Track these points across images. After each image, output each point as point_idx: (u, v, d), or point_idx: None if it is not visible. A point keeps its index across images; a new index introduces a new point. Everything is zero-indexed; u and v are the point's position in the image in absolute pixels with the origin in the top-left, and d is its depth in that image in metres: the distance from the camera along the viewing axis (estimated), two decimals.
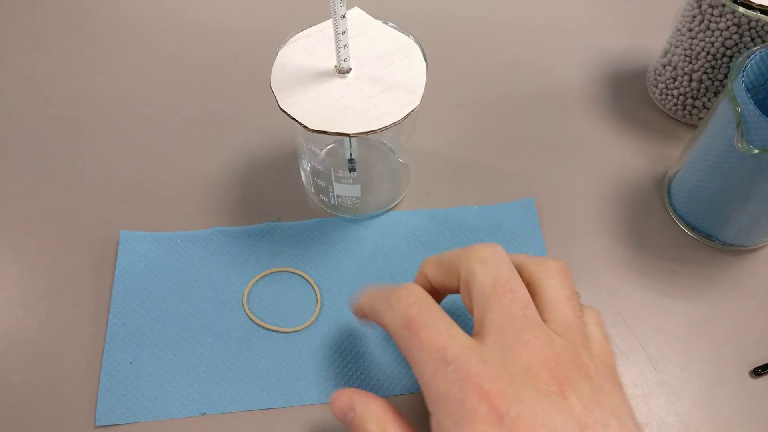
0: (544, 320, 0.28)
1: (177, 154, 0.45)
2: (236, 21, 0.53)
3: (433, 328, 0.27)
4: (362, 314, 0.31)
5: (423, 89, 0.33)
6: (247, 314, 0.37)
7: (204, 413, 0.34)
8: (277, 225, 0.41)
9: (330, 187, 0.39)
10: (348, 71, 0.34)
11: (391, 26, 0.36)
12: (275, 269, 0.39)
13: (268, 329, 0.37)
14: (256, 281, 0.38)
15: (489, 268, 0.28)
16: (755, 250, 0.40)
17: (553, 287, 0.29)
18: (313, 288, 0.38)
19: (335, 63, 0.34)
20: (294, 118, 0.32)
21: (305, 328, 0.37)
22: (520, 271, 0.30)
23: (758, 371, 0.35)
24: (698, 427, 0.34)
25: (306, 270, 0.39)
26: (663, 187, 0.42)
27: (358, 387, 0.35)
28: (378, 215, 0.41)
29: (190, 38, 0.52)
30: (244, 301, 0.38)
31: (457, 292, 0.30)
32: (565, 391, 0.25)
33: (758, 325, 0.37)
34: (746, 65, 0.34)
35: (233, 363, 0.36)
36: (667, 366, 0.36)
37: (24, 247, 0.40)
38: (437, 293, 0.31)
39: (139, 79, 0.49)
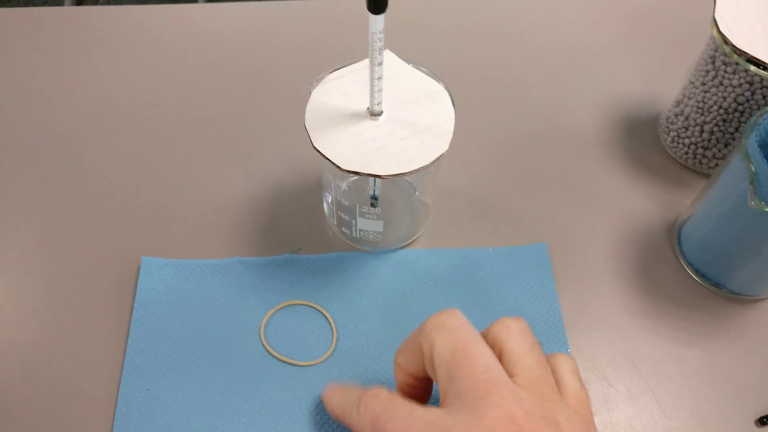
0: (511, 376, 0.28)
1: (202, 182, 0.46)
2: (267, 54, 0.54)
3: (396, 417, 0.28)
4: (335, 417, 0.33)
5: (451, 135, 0.35)
6: (263, 345, 0.38)
7: None
8: (296, 257, 0.41)
9: (353, 221, 0.40)
10: (380, 114, 0.35)
11: (422, 71, 0.37)
12: (292, 302, 0.40)
13: (284, 362, 0.38)
14: (273, 313, 0.39)
15: (446, 336, 0.29)
16: (763, 300, 0.41)
17: (515, 341, 0.29)
18: (330, 323, 0.39)
19: (368, 105, 0.35)
20: (328, 158, 0.33)
21: (321, 362, 0.38)
22: (484, 334, 0.30)
23: (763, 420, 0.36)
24: None
25: (323, 304, 0.40)
26: (673, 234, 0.44)
27: None
28: (396, 251, 0.42)
29: (223, 68, 0.53)
30: (261, 332, 0.38)
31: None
32: None
33: (764, 374, 0.38)
34: (760, 123, 0.36)
35: (249, 394, 0.36)
36: (676, 412, 0.37)
37: (45, 269, 0.41)
38: (420, 383, 0.32)
39: (169, 106, 0.50)
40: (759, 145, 0.35)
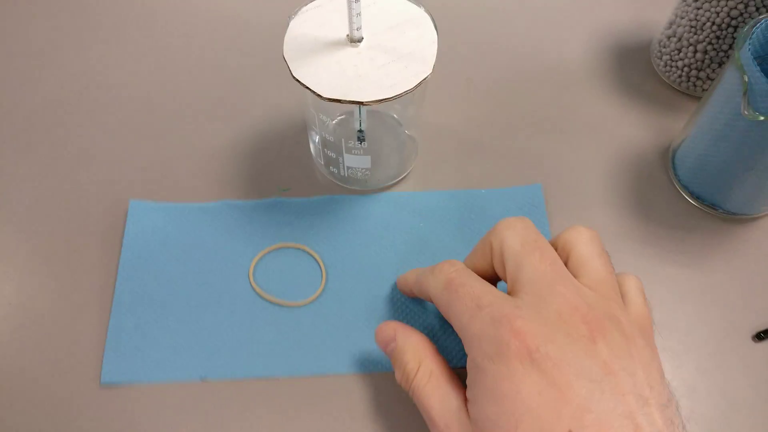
0: (577, 277, 0.29)
1: (186, 129, 0.45)
2: None
3: (470, 284, 0.29)
4: (408, 288, 0.34)
5: (434, 59, 0.33)
6: (252, 286, 0.38)
7: (204, 378, 0.35)
8: (285, 201, 0.41)
9: (340, 158, 0.39)
10: (360, 40, 0.34)
11: None
12: (282, 245, 0.39)
13: (273, 302, 0.37)
14: (263, 255, 0.39)
15: (516, 231, 0.30)
16: (758, 218, 0.41)
17: (584, 244, 0.30)
18: (319, 265, 0.39)
19: (347, 32, 0.34)
20: (308, 87, 0.32)
21: (309, 303, 0.37)
22: (554, 240, 0.31)
23: (761, 336, 0.36)
24: (702, 391, 0.35)
25: (313, 246, 0.39)
26: (667, 159, 0.43)
27: (356, 361, 0.35)
28: (386, 192, 0.41)
29: (198, 14, 0.51)
30: (250, 273, 0.38)
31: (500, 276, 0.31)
32: (595, 337, 0.26)
33: (760, 291, 0.38)
34: (753, 33, 0.35)
35: (235, 332, 0.36)
36: (672, 332, 0.37)
37: (34, 214, 0.41)
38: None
39: (150, 57, 0.49)
40: (753, 57, 0.34)
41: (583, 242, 0.30)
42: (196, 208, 0.40)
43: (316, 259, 0.39)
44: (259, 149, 0.44)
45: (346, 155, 0.38)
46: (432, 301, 0.31)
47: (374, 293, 0.38)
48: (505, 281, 0.30)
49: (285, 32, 0.35)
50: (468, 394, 0.28)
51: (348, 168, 0.40)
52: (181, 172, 0.43)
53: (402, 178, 0.42)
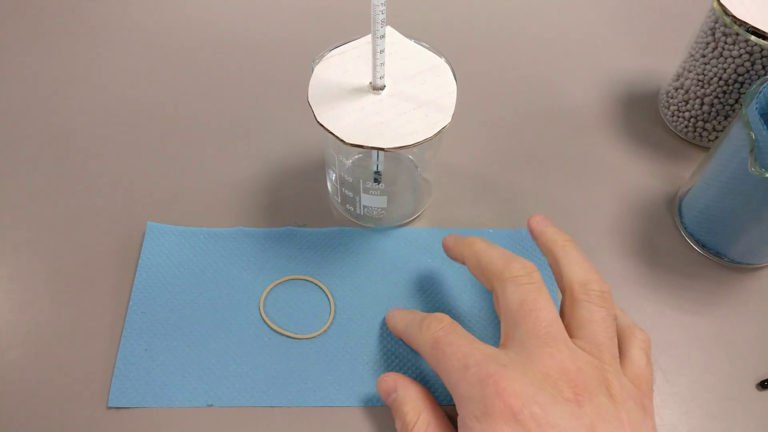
0: (574, 338, 0.29)
1: (207, 160, 0.46)
2: (269, 34, 0.54)
3: (457, 344, 0.29)
4: (396, 333, 0.35)
5: (454, 107, 0.35)
6: (261, 316, 0.38)
7: (211, 405, 0.35)
8: (298, 230, 0.42)
9: (357, 198, 0.40)
10: (382, 88, 0.35)
11: (423, 46, 0.38)
12: (292, 276, 0.40)
13: (281, 334, 0.38)
14: (274, 286, 0.40)
15: (519, 287, 0.30)
16: (763, 268, 0.42)
17: (588, 309, 0.30)
18: (328, 298, 0.39)
19: (370, 80, 0.35)
20: (331, 132, 0.34)
21: (316, 336, 0.38)
22: (564, 290, 0.31)
23: (764, 384, 0.37)
24: None
25: (323, 278, 0.40)
26: (674, 206, 0.44)
27: (361, 395, 0.36)
28: (398, 228, 0.42)
29: (226, 50, 0.53)
30: (261, 304, 0.39)
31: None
32: (582, 400, 0.26)
33: (764, 340, 0.39)
34: (760, 92, 0.36)
35: (242, 360, 0.37)
36: (678, 378, 0.37)
37: (52, 234, 0.42)
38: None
39: (177, 86, 0.50)
40: (759, 114, 0.35)
41: (587, 307, 0.30)
42: (212, 234, 0.42)
43: (325, 292, 0.40)
44: (276, 184, 0.45)
45: (363, 195, 0.40)
46: (421, 355, 0.32)
47: (381, 328, 0.38)
48: (497, 312, 0.31)
49: (308, 74, 0.36)
50: None
51: (364, 207, 0.41)
52: (201, 199, 0.44)
53: (415, 218, 0.43)
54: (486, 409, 0.26)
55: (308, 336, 0.38)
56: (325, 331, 0.38)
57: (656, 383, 0.37)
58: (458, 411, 0.28)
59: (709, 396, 0.37)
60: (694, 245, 0.42)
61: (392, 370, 0.37)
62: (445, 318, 0.31)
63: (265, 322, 0.38)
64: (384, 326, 0.38)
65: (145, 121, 0.48)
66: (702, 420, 0.36)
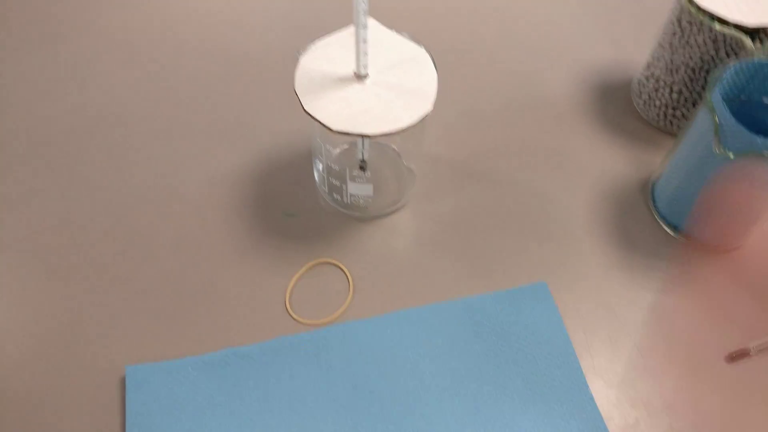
0: None
1: (193, 158, 0.47)
2: (252, 27, 0.55)
3: None
4: None
5: (435, 95, 0.36)
6: None
7: None
8: (292, 338, 0.39)
9: (344, 186, 0.41)
10: (366, 77, 0.37)
11: (405, 36, 0.39)
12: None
13: None
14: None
15: None
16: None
17: None
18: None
19: (354, 69, 0.37)
20: (318, 120, 0.35)
21: None
22: None
23: (734, 356, 0.39)
24: (680, 407, 0.37)
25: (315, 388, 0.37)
26: (647, 192, 0.46)
27: None
28: (394, 312, 0.40)
29: (209, 46, 0.54)
30: None
31: None
32: None
33: (733, 315, 0.41)
34: (723, 77, 0.38)
35: None
36: (652, 352, 0.39)
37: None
38: None
39: (159, 86, 0.51)
40: (723, 99, 0.37)
41: None
42: (198, 362, 0.37)
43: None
44: (266, 176, 0.46)
45: (350, 183, 0.41)
46: None
47: None
48: None
49: (292, 67, 0.38)
50: None
51: (351, 195, 0.42)
52: (190, 195, 0.45)
53: (400, 206, 0.45)
54: None
55: None
56: None
57: (631, 358, 0.39)
58: None
59: (681, 369, 0.39)
60: (667, 228, 0.44)
61: None
62: None
63: None
64: None
65: (130, 118, 0.49)
66: (674, 390, 0.38)
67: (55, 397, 0.36)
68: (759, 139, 0.35)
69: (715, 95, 0.37)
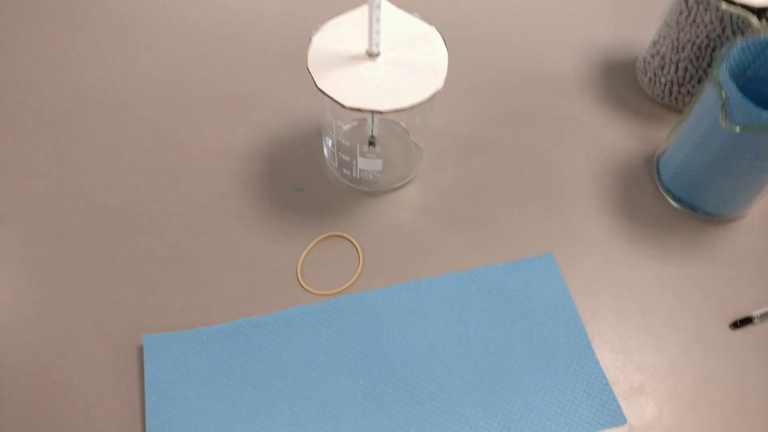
0: None
1: (209, 133, 0.48)
2: (267, 11, 0.56)
3: None
4: None
5: (446, 72, 0.37)
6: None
7: None
8: (303, 307, 0.40)
9: (354, 161, 0.42)
10: (378, 55, 0.37)
11: (415, 15, 0.39)
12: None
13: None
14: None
15: None
16: (734, 219, 0.45)
17: None
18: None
19: (366, 47, 0.37)
20: (331, 97, 0.36)
21: None
22: None
23: (737, 324, 0.40)
24: (683, 373, 0.38)
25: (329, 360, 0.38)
26: (652, 165, 0.47)
27: None
28: (398, 283, 0.41)
29: (222, 24, 0.54)
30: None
31: None
32: None
33: (736, 284, 0.42)
34: (730, 54, 0.39)
35: None
36: (656, 319, 0.40)
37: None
38: None
39: (176, 63, 0.52)
40: (729, 74, 0.38)
41: None
42: (213, 332, 0.39)
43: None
44: (276, 151, 0.47)
45: (360, 158, 0.42)
46: None
47: None
48: None
49: (304, 46, 0.38)
50: None
51: (360, 171, 0.43)
52: (204, 169, 0.46)
53: (408, 181, 0.46)
54: None
55: None
56: None
57: (636, 324, 0.40)
58: None
59: (685, 335, 0.40)
60: (671, 200, 0.45)
61: None
62: None
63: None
64: None
65: (148, 94, 0.50)
66: (678, 356, 0.39)
67: (75, 365, 0.38)
68: (765, 113, 0.36)
69: (722, 71, 0.38)
